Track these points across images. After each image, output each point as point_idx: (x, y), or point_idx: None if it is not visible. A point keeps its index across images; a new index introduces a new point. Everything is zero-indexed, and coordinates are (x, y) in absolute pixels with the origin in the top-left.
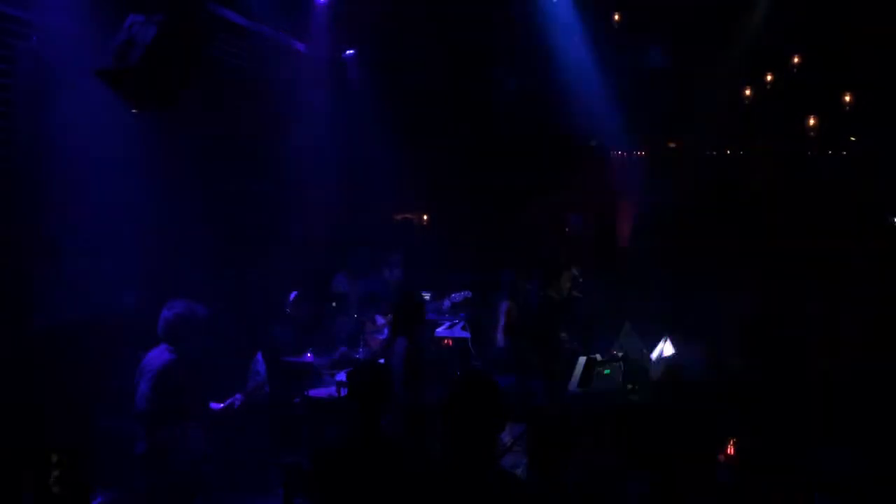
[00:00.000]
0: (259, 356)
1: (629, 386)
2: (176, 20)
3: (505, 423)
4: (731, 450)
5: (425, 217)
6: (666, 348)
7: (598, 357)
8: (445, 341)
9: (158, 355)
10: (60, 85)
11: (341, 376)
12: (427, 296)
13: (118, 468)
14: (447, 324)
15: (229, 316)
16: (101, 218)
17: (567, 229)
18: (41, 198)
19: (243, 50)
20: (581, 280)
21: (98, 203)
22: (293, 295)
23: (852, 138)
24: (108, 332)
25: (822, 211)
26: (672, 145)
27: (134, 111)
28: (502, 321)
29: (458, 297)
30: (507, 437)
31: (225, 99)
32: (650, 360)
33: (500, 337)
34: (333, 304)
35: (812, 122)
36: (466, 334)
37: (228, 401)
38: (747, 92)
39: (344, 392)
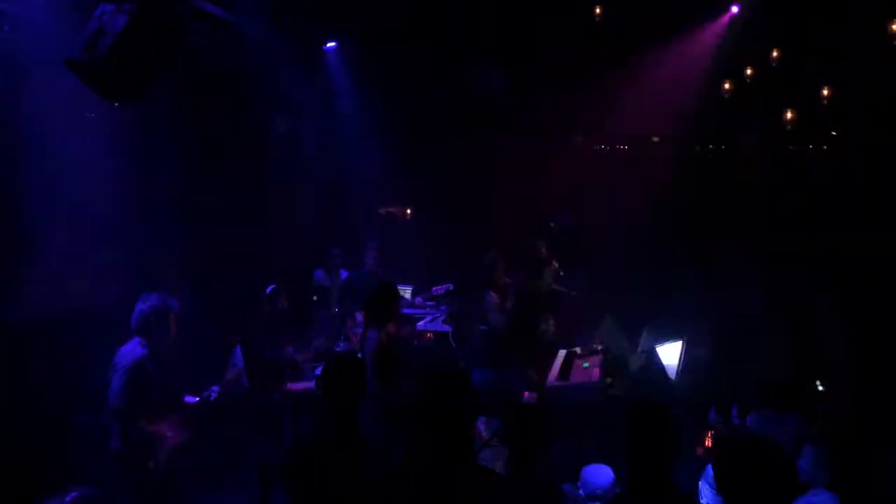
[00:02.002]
0: (238, 349)
1: (608, 379)
2: (147, 9)
3: (476, 415)
4: (708, 443)
5: (408, 211)
6: (644, 342)
7: (578, 350)
8: (427, 335)
9: (131, 350)
10: (34, 76)
11: (321, 371)
12: (408, 289)
13: (93, 464)
14: (429, 317)
15: (208, 309)
16: (77, 211)
17: (552, 224)
18: (17, 191)
19: (220, 41)
20: (563, 274)
21: (75, 196)
22: (270, 288)
23: (833, 133)
24: (85, 327)
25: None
26: (655, 140)
27: (111, 103)
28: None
29: (439, 289)
30: (484, 431)
31: (202, 90)
32: (631, 353)
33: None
34: (315, 297)
35: (790, 115)
36: (448, 328)
37: (204, 394)
38: (727, 86)
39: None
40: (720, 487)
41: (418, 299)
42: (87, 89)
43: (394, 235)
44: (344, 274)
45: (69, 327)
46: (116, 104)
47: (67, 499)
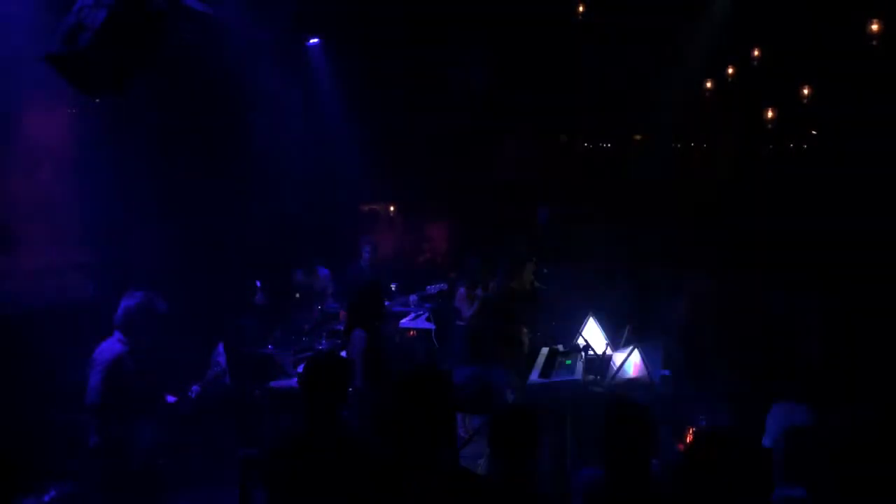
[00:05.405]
0: (220, 347)
1: (590, 377)
2: (127, 3)
3: (454, 416)
4: (689, 438)
5: (392, 208)
6: (626, 340)
7: (560, 348)
8: (410, 332)
9: (110, 346)
10: (10, 71)
11: (303, 368)
12: (393, 286)
13: (72, 462)
14: (412, 315)
15: (191, 306)
16: (55, 207)
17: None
18: None
19: (201, 35)
20: (545, 272)
21: (52, 192)
22: (258, 284)
23: (813, 132)
24: (62, 323)
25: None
26: (638, 138)
27: (90, 97)
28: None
29: (433, 288)
30: (462, 430)
31: (182, 85)
32: (612, 351)
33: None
34: (297, 295)
35: (770, 114)
36: (431, 325)
37: (185, 392)
38: (708, 85)
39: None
40: (695, 482)
41: (412, 297)
42: (67, 84)
43: (377, 232)
44: (322, 271)
45: (47, 323)
46: (97, 99)
47: (46, 498)
